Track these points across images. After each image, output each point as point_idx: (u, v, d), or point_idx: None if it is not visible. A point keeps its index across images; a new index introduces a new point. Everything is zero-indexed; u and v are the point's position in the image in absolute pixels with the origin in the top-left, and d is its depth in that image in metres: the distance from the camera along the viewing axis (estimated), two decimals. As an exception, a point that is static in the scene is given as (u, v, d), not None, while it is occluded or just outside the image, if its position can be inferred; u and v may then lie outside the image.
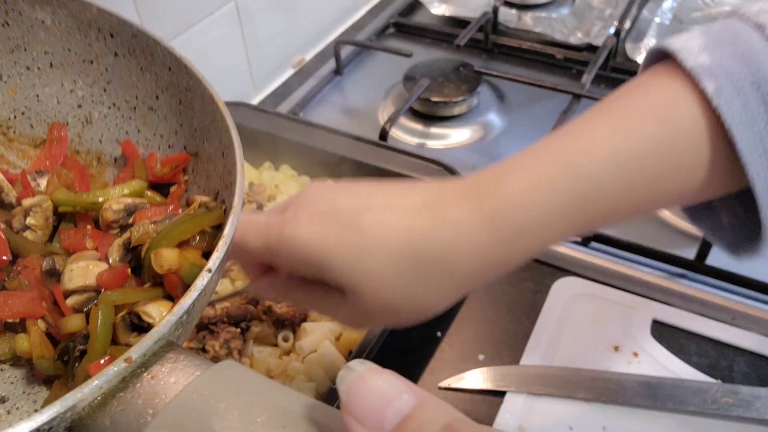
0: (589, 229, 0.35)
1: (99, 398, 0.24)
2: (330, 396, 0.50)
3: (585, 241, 0.68)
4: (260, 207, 0.68)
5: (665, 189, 0.34)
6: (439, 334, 0.63)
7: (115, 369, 0.24)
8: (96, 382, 0.23)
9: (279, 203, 0.71)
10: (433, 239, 0.34)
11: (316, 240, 0.35)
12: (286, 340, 0.59)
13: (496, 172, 0.36)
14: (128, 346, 0.28)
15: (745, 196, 0.34)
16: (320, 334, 0.59)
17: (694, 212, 0.40)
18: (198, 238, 0.33)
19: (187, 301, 0.27)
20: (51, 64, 0.44)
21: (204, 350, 0.58)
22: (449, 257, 0.34)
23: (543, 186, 0.34)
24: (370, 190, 0.37)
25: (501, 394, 0.57)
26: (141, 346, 0.25)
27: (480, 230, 0.34)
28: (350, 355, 0.54)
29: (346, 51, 0.99)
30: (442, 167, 0.68)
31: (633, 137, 0.33)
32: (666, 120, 0.32)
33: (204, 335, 0.58)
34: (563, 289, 0.65)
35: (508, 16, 1.02)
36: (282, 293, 0.42)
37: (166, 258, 0.31)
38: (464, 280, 0.35)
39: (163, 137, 0.43)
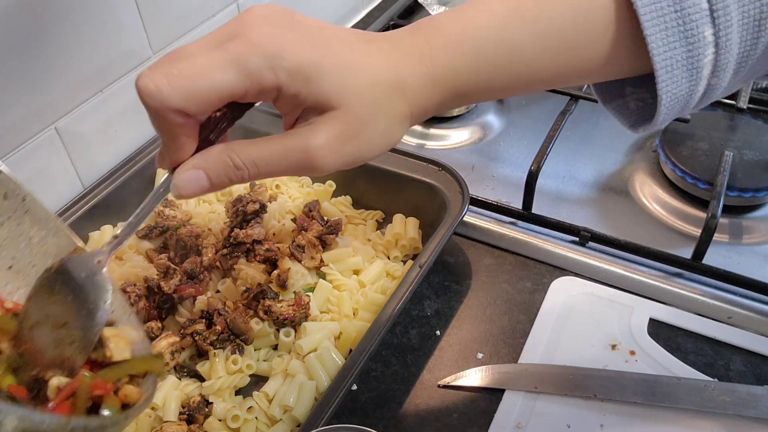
0: (506, 89, 0.39)
1: None
2: (330, 396, 0.50)
3: (583, 242, 0.69)
4: (262, 207, 0.69)
5: (578, 59, 0.37)
6: (438, 332, 0.63)
7: None
8: None
9: (281, 203, 0.72)
10: (396, 72, 0.37)
11: (301, 53, 0.35)
12: (287, 335, 0.60)
13: (439, 22, 0.39)
14: None
15: (652, 81, 0.36)
16: (321, 335, 0.59)
17: (605, 94, 0.43)
18: None
19: None
20: None
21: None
22: (405, 89, 0.38)
23: (473, 36, 0.37)
24: (313, 24, 0.38)
25: (500, 392, 0.57)
26: None
27: (417, 79, 0.38)
28: (350, 354, 0.54)
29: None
30: (442, 168, 0.69)
31: (558, 4, 0.36)
32: None
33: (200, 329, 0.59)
34: (561, 288, 0.66)
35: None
36: (227, 164, 0.37)
37: None
38: (415, 109, 0.39)
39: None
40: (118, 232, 0.41)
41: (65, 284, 0.41)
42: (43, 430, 0.30)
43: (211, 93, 0.34)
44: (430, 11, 1.07)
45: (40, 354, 0.40)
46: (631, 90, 0.41)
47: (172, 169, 0.38)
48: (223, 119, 0.38)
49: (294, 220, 0.71)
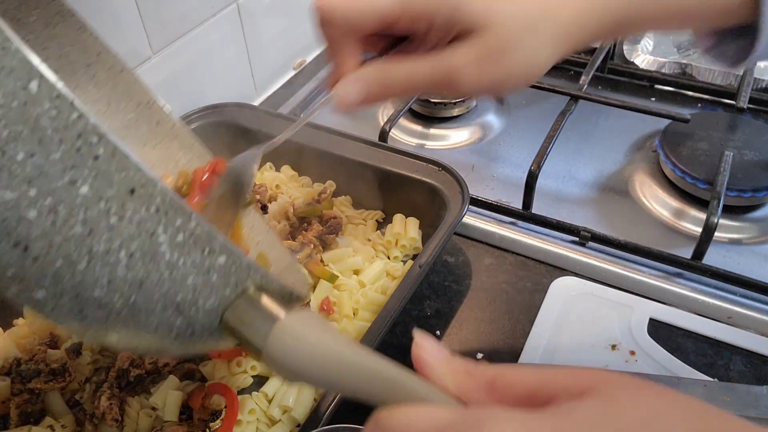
0: (657, 20, 0.42)
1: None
2: (330, 396, 0.50)
3: (583, 242, 0.69)
4: (264, 208, 0.69)
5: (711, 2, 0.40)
6: (438, 333, 0.63)
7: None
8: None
9: (281, 203, 0.72)
10: (542, 5, 0.40)
11: None
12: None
13: None
14: None
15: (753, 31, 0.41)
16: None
17: (709, 46, 0.46)
18: None
19: None
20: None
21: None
22: (558, 17, 0.40)
23: None
24: None
25: (499, 393, 0.57)
26: None
27: (572, 7, 0.40)
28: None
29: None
30: (442, 168, 0.69)
31: None
32: None
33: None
34: (561, 288, 0.66)
35: (507, 17, 1.03)
36: (386, 74, 0.41)
37: None
38: (567, 37, 0.41)
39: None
40: (278, 138, 0.48)
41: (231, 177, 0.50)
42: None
43: (368, 12, 0.39)
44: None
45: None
46: (731, 41, 0.44)
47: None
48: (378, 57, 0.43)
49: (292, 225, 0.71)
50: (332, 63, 0.42)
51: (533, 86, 0.84)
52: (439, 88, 0.40)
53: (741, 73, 0.86)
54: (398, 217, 0.71)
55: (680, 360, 0.59)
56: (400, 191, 0.71)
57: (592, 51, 0.94)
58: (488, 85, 0.40)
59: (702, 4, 0.41)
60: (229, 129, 0.78)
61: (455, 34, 0.39)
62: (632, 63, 0.94)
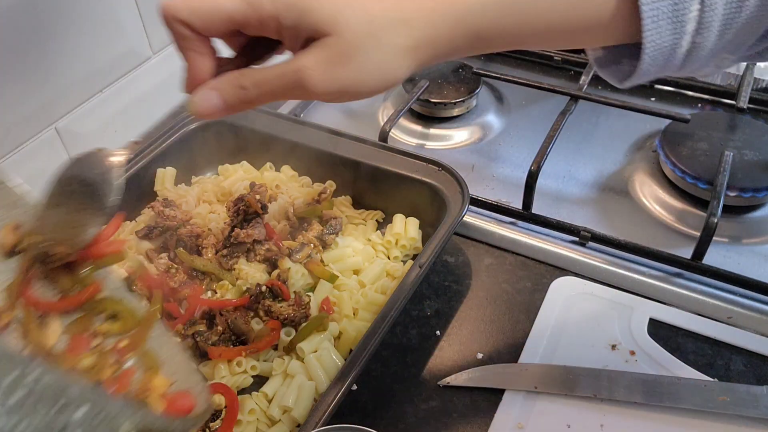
0: (520, 35, 0.41)
1: None
2: (330, 396, 0.50)
3: (583, 242, 0.69)
4: (264, 208, 0.69)
5: (585, 10, 0.39)
6: (438, 332, 0.63)
7: None
8: None
9: (281, 203, 0.72)
10: (400, 6, 0.39)
11: None
12: (288, 335, 0.60)
13: None
14: None
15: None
16: (321, 336, 0.59)
17: (602, 62, 0.45)
18: None
19: None
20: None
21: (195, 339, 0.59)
22: (408, 24, 0.39)
23: None
24: None
25: (500, 392, 0.57)
26: None
27: (425, 14, 0.40)
28: (350, 354, 0.54)
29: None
30: (442, 168, 0.69)
31: None
32: None
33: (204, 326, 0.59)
34: (561, 288, 0.66)
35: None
36: (237, 83, 0.41)
37: None
38: (421, 45, 0.40)
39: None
40: (137, 139, 0.45)
41: (79, 182, 0.47)
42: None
43: (213, 12, 0.39)
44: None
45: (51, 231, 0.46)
46: (626, 60, 0.43)
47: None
48: (240, 59, 0.43)
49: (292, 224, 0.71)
50: (184, 64, 0.42)
51: (533, 86, 0.85)
52: (292, 92, 0.40)
53: (741, 73, 0.86)
54: (398, 217, 0.71)
55: (680, 360, 0.59)
56: (400, 191, 0.71)
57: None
58: (338, 88, 0.39)
59: (566, 21, 0.39)
60: (229, 129, 0.78)
61: (307, 36, 0.39)
62: (632, 63, 0.94)
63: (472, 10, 0.39)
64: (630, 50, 0.41)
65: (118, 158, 0.47)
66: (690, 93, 0.91)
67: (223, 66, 0.42)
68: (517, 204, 0.72)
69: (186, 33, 0.40)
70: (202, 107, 0.41)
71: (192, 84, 0.42)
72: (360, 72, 0.39)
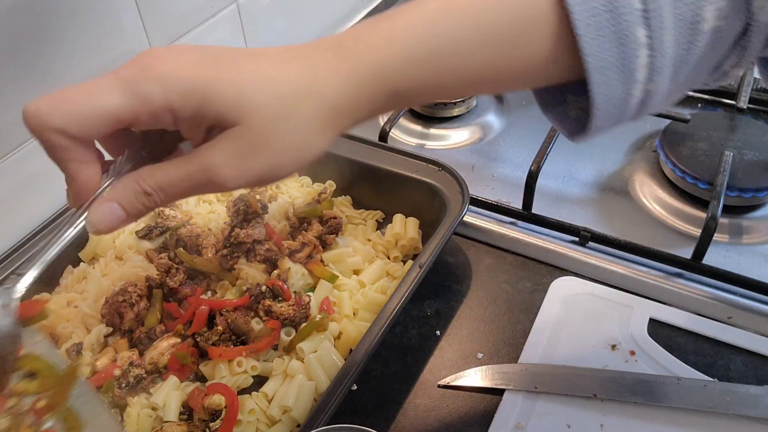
0: (445, 88, 0.37)
1: None
2: (330, 396, 0.50)
3: (583, 242, 0.69)
4: (264, 208, 0.69)
5: (517, 56, 0.36)
6: (438, 332, 0.63)
7: None
8: None
9: (281, 203, 0.72)
10: (311, 76, 0.35)
11: (197, 72, 0.34)
12: (288, 335, 0.60)
13: (366, 26, 0.37)
14: None
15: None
16: (321, 336, 0.59)
17: (546, 101, 0.41)
18: None
19: None
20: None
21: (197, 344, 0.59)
22: (323, 93, 0.35)
23: (402, 36, 0.36)
24: (228, 48, 0.37)
25: (499, 392, 0.57)
26: None
27: (341, 80, 0.36)
28: (350, 354, 0.54)
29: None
30: (442, 168, 0.69)
31: (490, 3, 0.35)
32: None
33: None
34: (561, 288, 0.66)
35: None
36: (137, 187, 0.36)
37: None
38: (338, 114, 0.36)
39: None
40: (23, 271, 0.38)
41: None
42: None
43: (93, 113, 0.33)
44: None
45: None
46: (572, 98, 0.39)
47: (82, 206, 0.37)
48: (136, 155, 0.38)
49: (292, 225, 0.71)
50: (67, 179, 0.36)
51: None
52: (202, 190, 0.36)
53: (741, 73, 0.86)
54: (398, 217, 0.71)
55: (680, 360, 0.59)
56: (400, 191, 0.71)
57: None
58: (257, 178, 0.36)
59: (495, 72, 0.36)
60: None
61: (209, 126, 0.35)
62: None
63: (389, 68, 0.35)
64: (573, 87, 0.38)
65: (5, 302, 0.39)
66: (690, 93, 0.91)
67: (110, 168, 0.37)
68: (517, 204, 0.72)
69: (63, 142, 0.34)
70: (103, 223, 0.36)
71: (79, 198, 0.37)
72: (276, 158, 0.35)
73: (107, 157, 0.39)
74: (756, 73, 0.86)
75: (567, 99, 0.40)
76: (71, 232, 0.37)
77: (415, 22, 0.36)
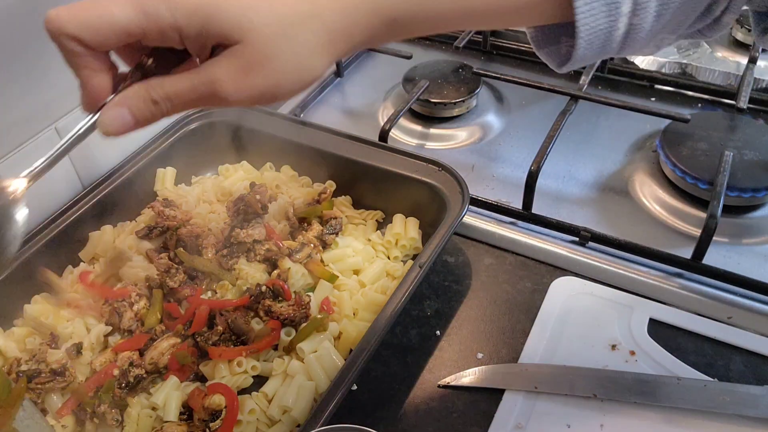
0: (442, 17, 0.39)
1: None
2: (330, 396, 0.50)
3: (583, 242, 0.69)
4: (264, 208, 0.69)
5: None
6: (438, 332, 0.63)
7: None
8: None
9: (281, 203, 0.72)
10: (302, 7, 0.37)
11: None
12: (288, 335, 0.60)
13: None
14: None
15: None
16: (321, 336, 0.59)
17: (540, 41, 0.44)
18: None
19: None
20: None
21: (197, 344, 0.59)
22: (321, 17, 0.37)
23: None
24: None
25: (500, 392, 0.57)
26: None
27: (338, 4, 0.38)
28: (350, 354, 0.54)
29: (346, 53, 0.99)
30: (442, 168, 0.69)
31: None
32: None
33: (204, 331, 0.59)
34: (561, 288, 0.66)
35: (507, 17, 1.03)
36: (146, 97, 0.38)
37: None
38: (336, 38, 0.38)
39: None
40: (37, 163, 0.40)
41: None
42: None
43: (105, 25, 0.36)
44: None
45: None
46: (565, 39, 0.42)
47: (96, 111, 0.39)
48: (145, 67, 0.40)
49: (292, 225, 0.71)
50: (80, 84, 0.39)
51: (533, 86, 0.85)
52: (205, 102, 0.38)
53: (741, 73, 0.86)
54: (398, 217, 0.71)
55: (680, 360, 0.59)
56: (400, 191, 0.71)
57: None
58: (257, 95, 0.38)
59: (488, 3, 0.38)
60: (228, 129, 0.78)
61: (214, 44, 0.37)
62: (632, 63, 0.94)
63: None
64: (567, 29, 0.40)
65: (15, 186, 0.40)
66: (690, 93, 0.91)
67: (122, 80, 0.39)
68: (517, 204, 0.72)
69: (77, 49, 0.36)
70: (113, 126, 0.38)
71: (91, 103, 0.39)
72: (275, 76, 0.37)
73: (122, 69, 0.41)
74: (756, 73, 0.86)
75: (560, 40, 0.42)
76: (80, 130, 0.39)
77: None
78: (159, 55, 0.40)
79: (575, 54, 0.38)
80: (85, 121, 0.39)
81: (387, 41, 0.40)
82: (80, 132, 0.39)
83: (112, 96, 0.39)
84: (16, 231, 0.40)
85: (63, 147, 0.39)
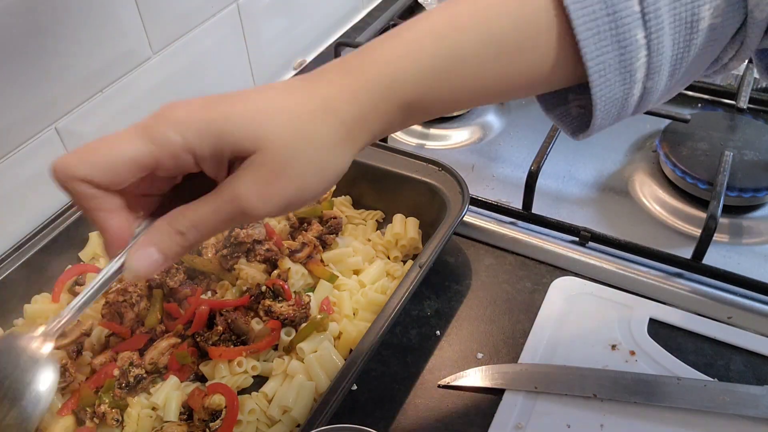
0: (456, 99, 0.38)
1: None
2: (330, 396, 0.50)
3: (583, 242, 0.69)
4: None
5: (522, 64, 0.36)
6: (438, 332, 0.63)
7: None
8: None
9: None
10: (321, 96, 0.36)
11: (209, 111, 0.35)
12: (288, 335, 0.60)
13: (369, 46, 0.38)
14: None
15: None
16: (321, 336, 0.59)
17: (548, 102, 0.42)
18: None
19: None
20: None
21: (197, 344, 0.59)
22: (335, 111, 0.36)
23: (408, 50, 0.36)
24: (233, 91, 0.38)
25: (499, 392, 0.57)
26: None
27: (351, 96, 0.36)
28: (350, 354, 0.54)
29: (346, 53, 0.99)
30: (442, 168, 0.69)
31: (493, 13, 0.36)
32: (523, 2, 0.36)
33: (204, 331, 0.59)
34: (561, 288, 0.66)
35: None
36: (169, 230, 0.36)
37: None
38: (354, 130, 0.37)
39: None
40: (63, 312, 0.37)
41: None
42: None
43: (117, 162, 0.34)
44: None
45: None
46: (573, 97, 0.41)
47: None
48: (169, 202, 0.38)
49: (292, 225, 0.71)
50: (102, 234, 0.37)
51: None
52: (233, 221, 0.36)
53: (741, 73, 0.86)
54: (398, 217, 0.71)
55: (680, 360, 0.59)
56: (400, 191, 0.71)
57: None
58: (284, 203, 0.36)
59: (503, 80, 0.37)
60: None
61: (229, 159, 0.36)
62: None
63: (398, 81, 0.36)
64: (575, 87, 0.39)
65: (40, 341, 0.37)
66: (690, 93, 0.91)
67: (139, 217, 0.38)
68: (517, 204, 0.72)
69: (90, 192, 0.35)
70: (142, 268, 0.36)
71: (114, 247, 0.37)
72: (299, 180, 0.36)
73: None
74: (756, 73, 0.86)
75: (568, 98, 0.41)
76: (105, 275, 0.37)
77: (420, 36, 0.36)
78: (177, 186, 0.38)
79: (593, 124, 0.38)
80: (111, 265, 0.37)
81: (404, 126, 0.39)
82: (106, 278, 0.37)
83: (135, 237, 0.37)
84: (36, 407, 0.36)
85: (89, 294, 0.37)
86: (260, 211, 0.36)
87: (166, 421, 0.55)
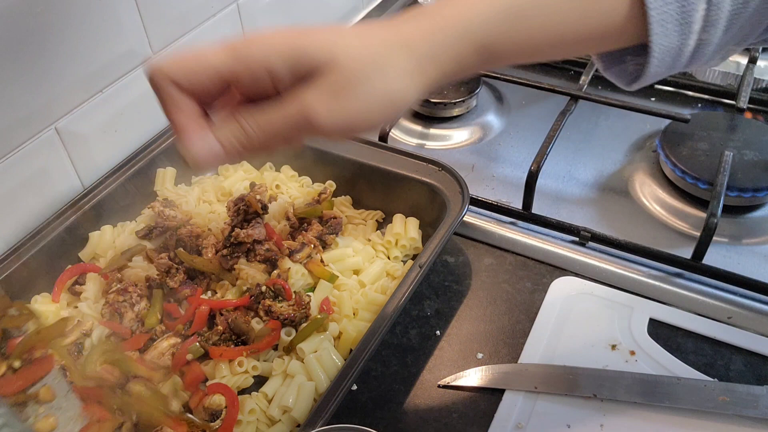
0: (531, 46, 0.40)
1: None
2: (330, 396, 0.50)
3: (582, 242, 0.69)
4: (264, 208, 0.69)
5: (593, 16, 0.39)
6: (438, 332, 0.63)
7: None
8: None
9: (281, 203, 0.72)
10: (397, 30, 0.39)
11: (291, 36, 0.38)
12: (288, 335, 0.60)
13: None
14: None
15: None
16: (321, 336, 0.59)
17: (606, 62, 0.45)
18: None
19: None
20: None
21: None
22: (409, 45, 0.38)
23: None
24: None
25: (499, 392, 0.57)
26: None
27: (427, 33, 0.39)
28: (350, 354, 0.54)
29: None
30: (442, 168, 0.69)
31: None
32: None
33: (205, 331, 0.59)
34: (561, 288, 0.66)
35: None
36: (238, 135, 0.38)
37: None
38: (426, 64, 0.39)
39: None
40: None
41: None
42: None
43: (200, 69, 0.38)
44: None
45: None
46: (630, 58, 0.43)
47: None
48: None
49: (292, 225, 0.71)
50: (174, 128, 0.39)
51: (533, 86, 0.85)
52: (298, 132, 0.38)
53: (741, 73, 0.86)
54: (398, 217, 0.71)
55: (680, 360, 0.59)
56: (400, 191, 0.71)
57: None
58: (346, 121, 0.38)
59: (577, 31, 0.39)
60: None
61: (302, 76, 0.38)
62: (632, 63, 0.94)
63: (476, 23, 0.38)
64: (633, 48, 0.41)
65: None
66: (690, 93, 0.91)
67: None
68: (517, 204, 0.72)
69: (175, 94, 0.38)
70: (202, 155, 0.38)
71: (186, 143, 0.39)
72: (366, 100, 0.38)
73: None
74: (756, 73, 0.86)
75: (625, 59, 0.43)
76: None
77: None
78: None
79: (646, 72, 0.39)
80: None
81: (478, 69, 0.41)
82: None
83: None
84: None
85: None
86: (325, 123, 0.37)
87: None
